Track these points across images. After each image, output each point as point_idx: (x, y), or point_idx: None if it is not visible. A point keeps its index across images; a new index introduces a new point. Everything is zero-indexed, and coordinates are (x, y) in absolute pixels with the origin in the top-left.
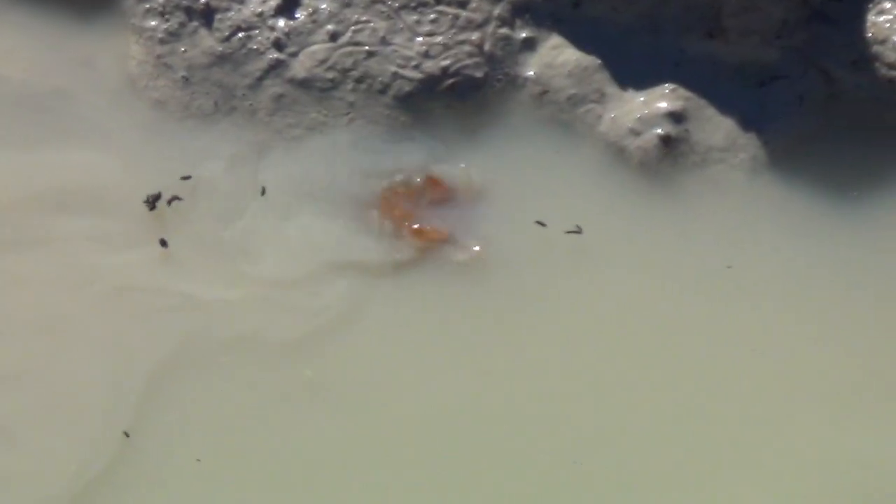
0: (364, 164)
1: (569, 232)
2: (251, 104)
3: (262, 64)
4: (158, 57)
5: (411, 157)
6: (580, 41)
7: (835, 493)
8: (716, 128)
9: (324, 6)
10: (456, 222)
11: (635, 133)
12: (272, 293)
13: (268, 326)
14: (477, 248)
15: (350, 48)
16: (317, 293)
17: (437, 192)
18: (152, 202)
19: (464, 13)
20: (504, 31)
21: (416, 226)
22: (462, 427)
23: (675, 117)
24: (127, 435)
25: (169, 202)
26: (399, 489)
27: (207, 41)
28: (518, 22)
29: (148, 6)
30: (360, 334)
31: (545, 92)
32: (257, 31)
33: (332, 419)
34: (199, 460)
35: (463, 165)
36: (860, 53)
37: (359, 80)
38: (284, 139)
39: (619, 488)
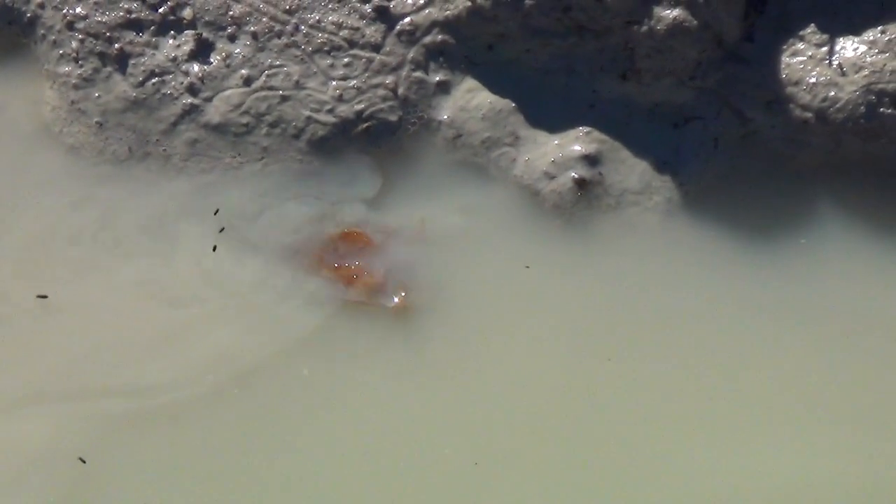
0: (282, 211)
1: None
2: (165, 149)
3: (176, 109)
4: (73, 102)
5: (328, 203)
6: (494, 84)
7: None
8: (630, 170)
9: (238, 51)
10: (377, 269)
11: (550, 176)
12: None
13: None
14: (397, 294)
15: (264, 93)
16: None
17: (356, 241)
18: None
19: (378, 57)
20: (418, 74)
21: (335, 264)
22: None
23: (590, 160)
24: (83, 461)
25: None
26: None
27: (121, 86)
28: (432, 65)
29: (62, 52)
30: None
31: (459, 135)
32: (171, 76)
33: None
34: None
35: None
36: (774, 95)
37: (273, 125)
38: (199, 184)
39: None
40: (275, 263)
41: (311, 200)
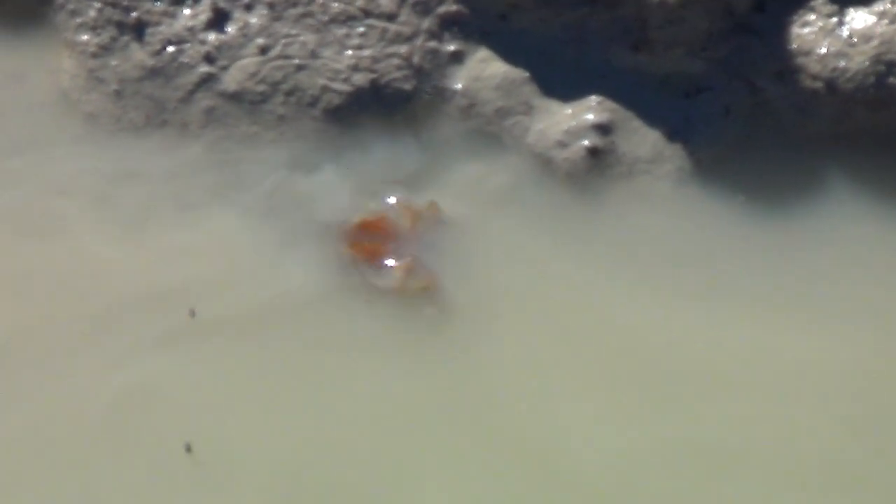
0: (305, 187)
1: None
2: (182, 117)
3: (193, 77)
4: (90, 71)
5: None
6: (507, 54)
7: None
8: (642, 139)
9: (254, 20)
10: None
11: (562, 145)
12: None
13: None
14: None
15: (280, 61)
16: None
17: (378, 230)
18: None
19: (392, 26)
20: (432, 44)
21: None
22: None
23: (602, 129)
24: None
25: None
26: None
27: (139, 55)
28: (446, 35)
29: (80, 20)
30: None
31: (473, 104)
32: (188, 45)
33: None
34: None
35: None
36: (784, 65)
37: (289, 93)
38: (215, 153)
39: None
40: (296, 239)
41: (331, 174)
